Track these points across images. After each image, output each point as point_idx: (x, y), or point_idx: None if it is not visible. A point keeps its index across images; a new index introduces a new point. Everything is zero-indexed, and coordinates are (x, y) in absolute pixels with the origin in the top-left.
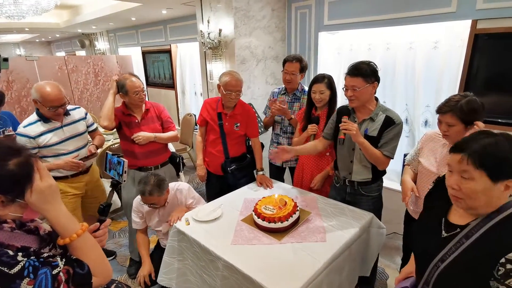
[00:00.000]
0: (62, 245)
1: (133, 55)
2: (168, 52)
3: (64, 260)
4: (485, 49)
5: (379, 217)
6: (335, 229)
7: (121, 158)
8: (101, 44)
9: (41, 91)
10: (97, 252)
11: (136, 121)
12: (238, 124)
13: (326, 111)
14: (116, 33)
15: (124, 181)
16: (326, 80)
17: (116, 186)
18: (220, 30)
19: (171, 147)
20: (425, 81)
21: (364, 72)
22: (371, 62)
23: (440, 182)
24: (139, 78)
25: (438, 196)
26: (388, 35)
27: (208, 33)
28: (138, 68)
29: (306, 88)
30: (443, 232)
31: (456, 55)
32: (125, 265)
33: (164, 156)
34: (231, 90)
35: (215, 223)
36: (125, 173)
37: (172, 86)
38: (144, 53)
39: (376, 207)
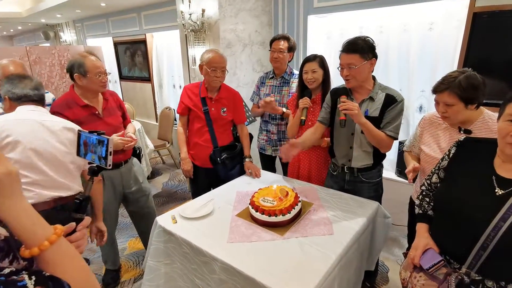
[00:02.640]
0: (27, 257)
1: (104, 46)
2: (143, 42)
3: (34, 277)
4: (484, 29)
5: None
6: (341, 220)
7: (102, 135)
8: (67, 36)
9: (3, 70)
10: (79, 265)
11: (97, 112)
12: (225, 109)
13: (320, 95)
14: (84, 23)
15: (110, 165)
16: (318, 59)
17: (96, 174)
18: (203, 11)
19: (150, 145)
20: (420, 65)
21: (361, 48)
22: (368, 37)
23: (464, 145)
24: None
25: (468, 158)
26: (381, 18)
27: (190, 14)
28: (109, 60)
29: (295, 72)
30: (497, 190)
31: (453, 37)
32: (100, 273)
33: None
34: (215, 67)
35: (206, 220)
36: (110, 155)
37: (148, 79)
38: (116, 44)
39: (377, 194)
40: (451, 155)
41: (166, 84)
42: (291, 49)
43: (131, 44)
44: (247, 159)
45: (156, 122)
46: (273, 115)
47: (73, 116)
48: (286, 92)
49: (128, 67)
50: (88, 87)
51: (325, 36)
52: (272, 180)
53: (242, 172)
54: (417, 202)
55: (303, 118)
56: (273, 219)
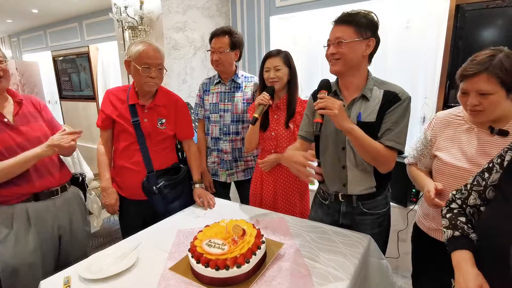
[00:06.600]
0: None
1: (42, 62)
2: (87, 55)
3: None
4: (471, 23)
5: (386, 244)
6: (324, 266)
7: None
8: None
9: None
10: None
11: (5, 120)
12: (164, 120)
13: (285, 99)
14: (20, 37)
15: None
16: (283, 54)
17: None
18: (142, 3)
19: (89, 172)
20: (398, 68)
21: (358, 21)
22: (372, 12)
23: None
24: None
25: None
26: None
27: (125, 7)
28: (49, 78)
29: (248, 75)
30: None
31: (432, 35)
32: None
33: (68, 171)
34: (149, 64)
35: (121, 280)
36: None
37: (92, 97)
38: (55, 59)
39: (382, 229)
40: (505, 163)
41: None
42: (235, 45)
43: (73, 58)
44: (197, 185)
45: None
46: (225, 129)
47: None
48: (240, 99)
49: (69, 84)
50: None
51: (291, 42)
52: (230, 211)
53: (188, 204)
54: (445, 222)
55: (255, 115)
56: (223, 273)
